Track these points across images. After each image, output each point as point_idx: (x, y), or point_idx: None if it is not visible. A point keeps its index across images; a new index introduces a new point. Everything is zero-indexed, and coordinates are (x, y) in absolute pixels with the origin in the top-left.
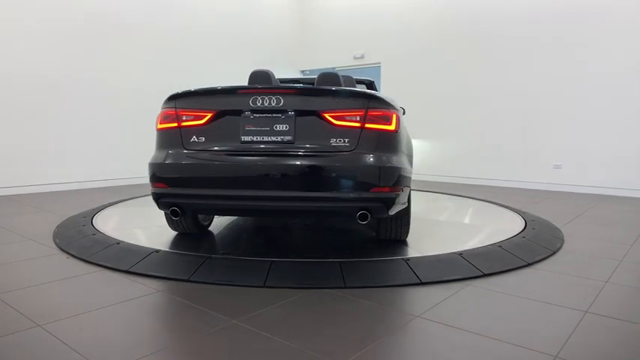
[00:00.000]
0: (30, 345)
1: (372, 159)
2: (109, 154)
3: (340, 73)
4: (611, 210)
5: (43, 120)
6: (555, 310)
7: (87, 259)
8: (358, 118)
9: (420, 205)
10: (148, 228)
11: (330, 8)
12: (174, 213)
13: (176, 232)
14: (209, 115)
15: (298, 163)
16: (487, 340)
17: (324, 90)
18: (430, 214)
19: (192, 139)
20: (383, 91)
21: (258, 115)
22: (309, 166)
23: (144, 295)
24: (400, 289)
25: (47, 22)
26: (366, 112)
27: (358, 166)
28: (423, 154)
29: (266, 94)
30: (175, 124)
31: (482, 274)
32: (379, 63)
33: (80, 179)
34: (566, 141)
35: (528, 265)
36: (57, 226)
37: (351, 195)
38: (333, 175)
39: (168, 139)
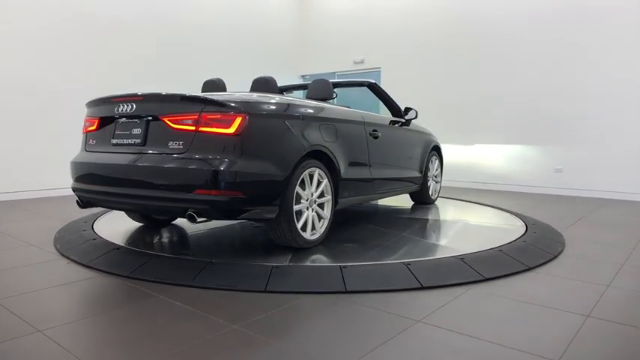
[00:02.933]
0: (30, 350)
1: (198, 161)
2: None
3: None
4: (613, 214)
5: (43, 125)
6: (557, 314)
7: (87, 264)
8: (191, 122)
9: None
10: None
11: (329, 13)
12: (78, 204)
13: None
14: (96, 122)
15: (140, 164)
16: (489, 344)
17: (163, 95)
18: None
19: (89, 142)
20: None
21: (125, 121)
22: (146, 168)
23: (144, 301)
24: (401, 293)
25: (46, 26)
26: (200, 115)
27: (183, 168)
28: None
29: (124, 102)
30: (84, 130)
31: (483, 278)
32: (379, 67)
33: None
34: (567, 144)
35: (529, 269)
36: (58, 232)
37: (176, 196)
38: (163, 176)
39: (82, 142)
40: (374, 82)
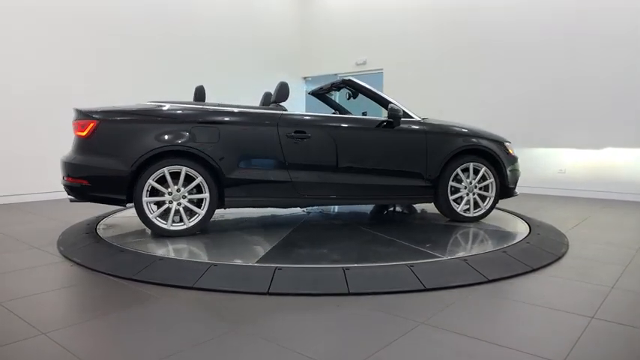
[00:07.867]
0: (35, 353)
1: (66, 156)
2: None
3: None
4: (616, 215)
5: (46, 127)
6: (561, 315)
7: (91, 266)
8: (73, 127)
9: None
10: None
11: (331, 15)
12: None
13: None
14: None
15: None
16: (493, 346)
17: (75, 108)
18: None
19: None
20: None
21: None
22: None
23: (148, 303)
24: (404, 295)
25: (47, 28)
26: (76, 122)
27: (63, 161)
28: None
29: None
30: None
31: (486, 280)
32: (381, 69)
33: None
34: (570, 145)
35: (533, 270)
36: (61, 234)
37: (62, 181)
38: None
39: None
40: (348, 79)
